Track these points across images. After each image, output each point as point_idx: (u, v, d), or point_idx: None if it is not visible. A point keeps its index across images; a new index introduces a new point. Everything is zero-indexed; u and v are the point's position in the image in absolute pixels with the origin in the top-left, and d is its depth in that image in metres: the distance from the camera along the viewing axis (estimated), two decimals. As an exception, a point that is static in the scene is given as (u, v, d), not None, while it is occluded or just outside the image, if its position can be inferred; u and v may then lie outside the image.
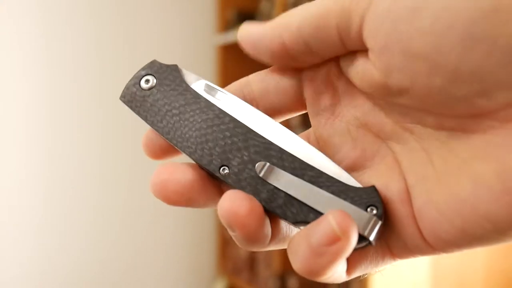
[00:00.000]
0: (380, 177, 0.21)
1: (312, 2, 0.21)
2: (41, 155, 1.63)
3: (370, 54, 0.19)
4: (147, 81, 0.27)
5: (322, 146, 0.23)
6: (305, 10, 0.21)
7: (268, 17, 1.60)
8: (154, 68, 0.26)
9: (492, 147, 0.17)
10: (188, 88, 0.25)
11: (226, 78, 1.83)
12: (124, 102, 0.26)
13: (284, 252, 1.47)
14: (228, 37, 1.75)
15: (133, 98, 0.26)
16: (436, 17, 0.16)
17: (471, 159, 0.17)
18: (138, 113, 0.25)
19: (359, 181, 0.21)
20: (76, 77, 1.66)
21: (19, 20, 1.58)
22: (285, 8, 1.47)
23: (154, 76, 0.27)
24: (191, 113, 0.24)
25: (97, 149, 1.70)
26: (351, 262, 0.22)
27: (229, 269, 1.83)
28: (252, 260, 1.70)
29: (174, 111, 0.25)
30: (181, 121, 0.24)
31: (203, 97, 0.25)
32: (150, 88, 0.26)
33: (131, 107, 0.25)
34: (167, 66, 0.26)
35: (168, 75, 0.26)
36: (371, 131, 0.22)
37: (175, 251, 1.85)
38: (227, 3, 1.84)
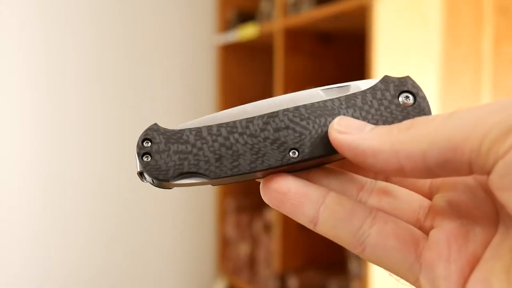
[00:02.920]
0: (468, 230, 0.21)
1: (435, 122, 0.19)
2: (41, 155, 1.63)
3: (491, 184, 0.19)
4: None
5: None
6: (430, 135, 0.19)
7: (268, 17, 1.59)
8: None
9: None
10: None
11: (226, 78, 1.83)
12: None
13: (284, 252, 1.47)
14: (228, 37, 1.75)
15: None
16: None
17: None
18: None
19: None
20: (76, 78, 1.66)
21: (19, 20, 1.58)
22: (285, 8, 1.47)
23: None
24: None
25: (97, 149, 1.70)
26: None
27: (229, 269, 1.83)
28: (252, 260, 1.70)
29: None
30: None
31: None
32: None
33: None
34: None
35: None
36: (493, 202, 0.21)
37: (175, 251, 1.85)
38: (227, 3, 1.84)
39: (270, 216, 1.58)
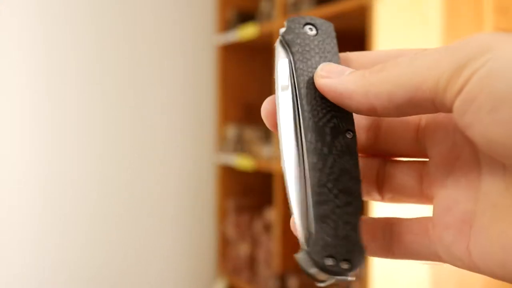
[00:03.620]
0: (456, 188, 0.22)
1: (400, 66, 0.21)
2: (42, 155, 1.63)
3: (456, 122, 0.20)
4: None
5: (422, 130, 0.24)
6: (395, 77, 0.21)
7: (268, 17, 1.59)
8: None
9: None
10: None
11: (226, 78, 1.83)
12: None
13: (284, 252, 1.47)
14: (228, 37, 1.75)
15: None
16: None
17: None
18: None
19: (439, 183, 0.23)
20: (76, 78, 1.66)
21: (19, 20, 1.58)
22: (285, 8, 1.47)
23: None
24: None
25: (98, 150, 1.70)
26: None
27: (229, 269, 1.83)
28: (252, 260, 1.70)
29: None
30: None
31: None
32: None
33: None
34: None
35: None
36: (472, 145, 0.22)
37: (175, 251, 1.85)
38: (227, 3, 1.84)
39: (270, 216, 1.58)
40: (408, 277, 1.18)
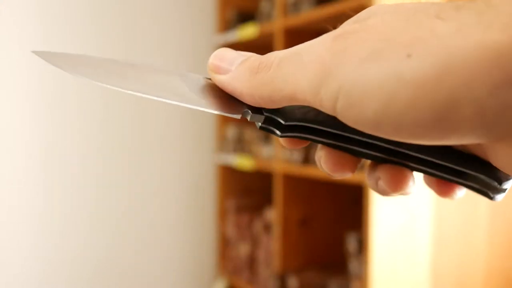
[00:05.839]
0: None
1: (272, 69, 0.22)
2: (42, 155, 1.63)
3: None
4: None
5: None
6: (270, 82, 0.22)
7: (268, 17, 1.59)
8: None
9: None
10: None
11: (226, 78, 1.83)
12: None
13: (284, 252, 1.47)
14: (228, 37, 1.75)
15: None
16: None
17: None
18: None
19: None
20: (76, 78, 1.66)
21: (19, 20, 1.58)
22: (285, 8, 1.47)
23: None
24: None
25: (98, 150, 1.70)
26: None
27: (229, 269, 1.83)
28: (252, 260, 1.70)
29: None
30: None
31: None
32: None
33: None
34: None
35: None
36: None
37: (176, 251, 1.85)
38: (227, 3, 1.84)
39: (270, 216, 1.58)
40: (408, 277, 1.18)
